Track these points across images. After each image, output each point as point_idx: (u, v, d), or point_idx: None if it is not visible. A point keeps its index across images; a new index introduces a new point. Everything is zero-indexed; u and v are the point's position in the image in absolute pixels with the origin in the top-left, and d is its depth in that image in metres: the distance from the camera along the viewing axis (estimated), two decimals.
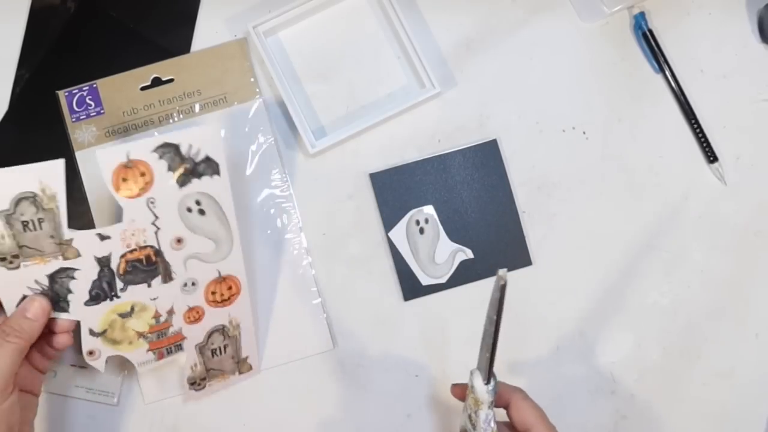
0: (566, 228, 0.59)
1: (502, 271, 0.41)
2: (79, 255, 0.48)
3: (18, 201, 0.47)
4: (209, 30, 0.59)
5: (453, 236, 0.58)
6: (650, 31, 0.59)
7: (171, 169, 0.48)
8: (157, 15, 0.59)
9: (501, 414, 0.47)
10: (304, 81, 0.59)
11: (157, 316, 0.52)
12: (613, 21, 0.60)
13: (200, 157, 0.48)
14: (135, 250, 0.49)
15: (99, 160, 0.47)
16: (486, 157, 0.58)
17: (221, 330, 0.54)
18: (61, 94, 0.58)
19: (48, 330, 0.49)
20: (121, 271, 0.49)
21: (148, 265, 0.50)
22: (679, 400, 0.58)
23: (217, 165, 0.49)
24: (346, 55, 0.59)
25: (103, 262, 0.49)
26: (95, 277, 0.49)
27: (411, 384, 0.58)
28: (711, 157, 0.59)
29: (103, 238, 0.48)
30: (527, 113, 0.59)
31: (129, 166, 0.47)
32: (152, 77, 0.58)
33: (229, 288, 0.53)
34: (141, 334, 0.52)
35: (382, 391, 0.57)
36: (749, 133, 0.60)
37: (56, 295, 0.49)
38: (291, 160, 0.58)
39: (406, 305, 0.58)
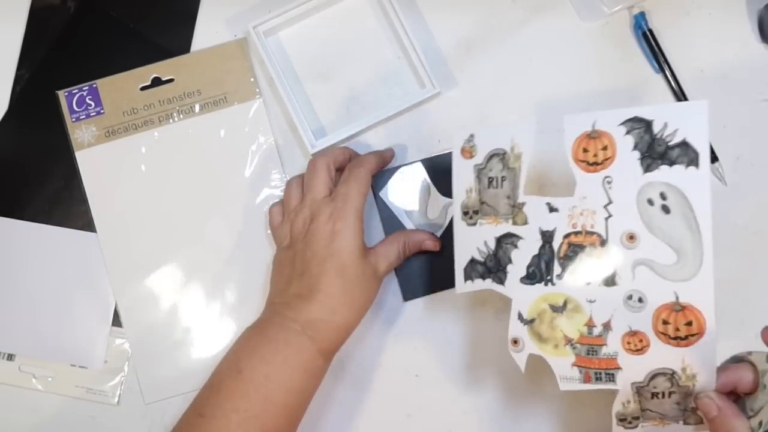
0: None
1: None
2: (526, 222, 0.44)
3: (490, 157, 0.46)
4: (209, 30, 0.59)
5: (452, 235, 0.58)
6: (650, 31, 0.59)
7: (638, 148, 0.42)
8: (157, 15, 0.59)
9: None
10: (304, 81, 0.59)
11: (590, 325, 0.44)
12: (613, 21, 0.60)
13: (676, 140, 0.41)
14: (580, 233, 0.43)
15: (565, 126, 0.44)
16: None
17: (670, 376, 0.43)
18: (61, 94, 0.58)
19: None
20: (561, 254, 0.43)
21: (583, 250, 0.43)
22: None
23: (696, 154, 0.41)
24: (346, 55, 0.59)
25: (546, 237, 0.44)
26: (536, 252, 0.44)
27: (411, 384, 0.57)
28: (711, 157, 0.59)
29: (551, 209, 0.44)
30: (527, 113, 0.59)
31: (593, 136, 0.43)
32: (152, 77, 0.58)
33: (689, 323, 0.42)
34: (569, 340, 0.44)
35: (382, 391, 0.57)
36: (749, 133, 0.60)
37: (497, 262, 0.45)
38: (291, 160, 0.58)
39: (406, 305, 0.58)
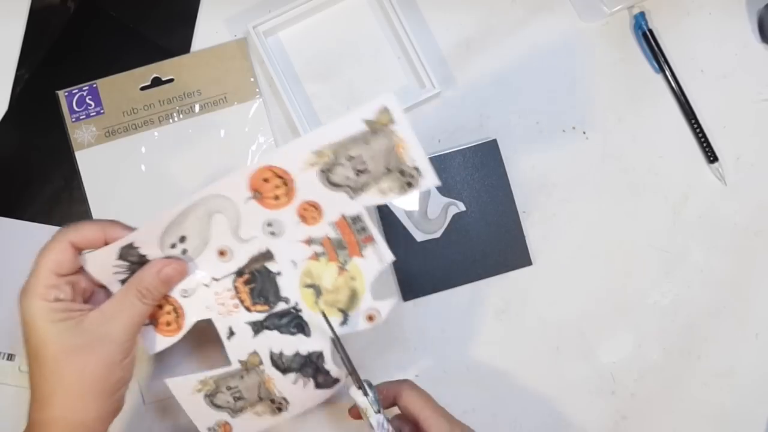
0: (566, 228, 0.59)
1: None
2: (261, 363, 0.48)
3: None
4: (209, 30, 0.59)
5: (453, 235, 0.58)
6: (650, 31, 0.59)
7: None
8: (157, 15, 0.59)
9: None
10: (304, 81, 0.59)
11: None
12: (613, 21, 0.60)
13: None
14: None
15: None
16: (486, 157, 0.58)
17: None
18: (61, 94, 0.58)
19: None
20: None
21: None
22: (679, 400, 0.58)
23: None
24: (346, 55, 0.59)
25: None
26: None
27: None
28: (711, 157, 0.59)
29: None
30: (527, 113, 0.59)
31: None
32: (152, 77, 0.58)
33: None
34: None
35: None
36: (749, 133, 0.60)
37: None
38: None
39: (406, 305, 0.58)
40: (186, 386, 0.48)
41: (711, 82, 0.60)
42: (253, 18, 0.57)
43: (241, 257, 0.46)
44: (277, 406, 0.49)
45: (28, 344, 0.43)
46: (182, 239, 0.45)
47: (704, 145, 0.59)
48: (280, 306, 0.47)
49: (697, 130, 0.59)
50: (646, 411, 0.58)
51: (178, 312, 0.47)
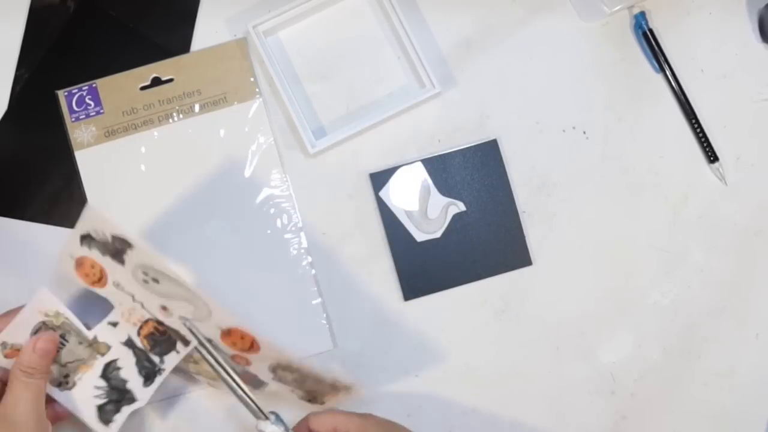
0: (566, 228, 0.59)
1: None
2: (109, 347, 0.52)
3: (36, 332, 0.51)
4: (209, 30, 0.59)
5: (453, 235, 0.58)
6: (650, 31, 0.59)
7: (106, 253, 0.49)
8: (156, 15, 0.59)
9: None
10: (304, 81, 0.59)
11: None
12: (613, 21, 0.60)
13: (108, 238, 0.48)
14: (142, 326, 0.52)
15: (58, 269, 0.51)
16: (486, 157, 0.58)
17: (286, 367, 0.51)
18: (61, 94, 0.57)
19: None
20: (148, 347, 0.52)
21: (162, 335, 0.51)
22: (679, 400, 0.58)
23: (124, 240, 0.47)
24: (346, 55, 0.59)
25: (130, 344, 0.52)
26: (134, 359, 0.52)
27: (411, 384, 0.57)
28: (711, 157, 0.59)
29: (114, 324, 0.52)
30: (527, 113, 0.59)
31: (81, 262, 0.51)
32: (152, 77, 0.58)
33: (242, 337, 0.50)
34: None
35: (382, 391, 0.57)
36: (749, 133, 0.60)
37: (118, 391, 0.51)
38: (291, 160, 0.58)
39: (406, 305, 0.58)
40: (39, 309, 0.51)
41: (711, 82, 0.60)
42: (253, 18, 0.57)
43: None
44: (60, 379, 0.51)
45: None
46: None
47: (704, 145, 0.59)
48: (155, 359, 0.52)
49: (697, 130, 0.59)
50: (646, 411, 0.58)
51: None
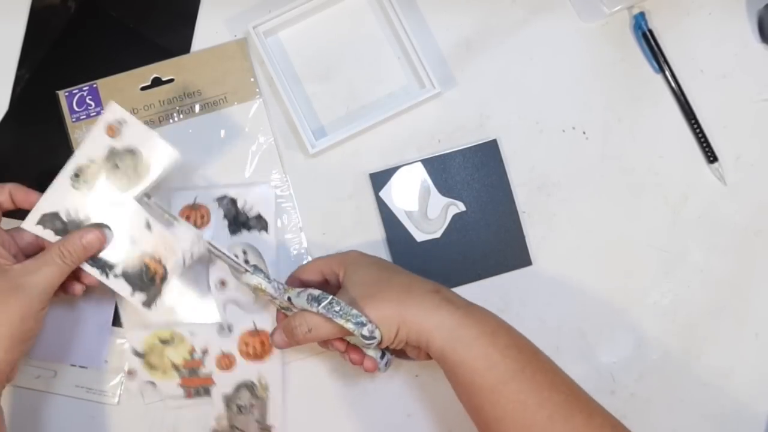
0: (566, 228, 0.59)
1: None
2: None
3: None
4: (209, 30, 0.59)
5: (453, 235, 0.58)
6: (650, 31, 0.59)
7: (226, 217, 0.56)
8: (157, 15, 0.59)
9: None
10: (304, 81, 0.59)
11: (192, 351, 0.55)
12: (613, 21, 0.60)
13: (252, 213, 0.56)
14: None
15: (172, 200, 0.56)
16: (486, 157, 0.58)
17: (250, 387, 0.56)
18: (61, 95, 0.58)
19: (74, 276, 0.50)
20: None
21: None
22: (679, 400, 0.58)
23: (266, 222, 0.56)
24: (346, 55, 0.59)
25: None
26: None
27: (411, 384, 0.58)
28: (711, 157, 0.59)
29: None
30: (527, 113, 0.59)
31: (194, 207, 0.56)
32: (152, 77, 0.58)
33: (262, 343, 0.55)
34: (176, 366, 0.55)
35: (382, 391, 0.57)
36: (749, 133, 0.60)
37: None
38: (291, 160, 0.58)
39: None
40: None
41: (711, 82, 0.60)
42: (253, 18, 0.57)
43: None
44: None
45: None
46: None
47: (704, 145, 0.59)
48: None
49: (697, 130, 0.59)
50: (646, 411, 0.58)
51: None
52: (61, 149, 0.57)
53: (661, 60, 0.59)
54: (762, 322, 0.59)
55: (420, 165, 0.58)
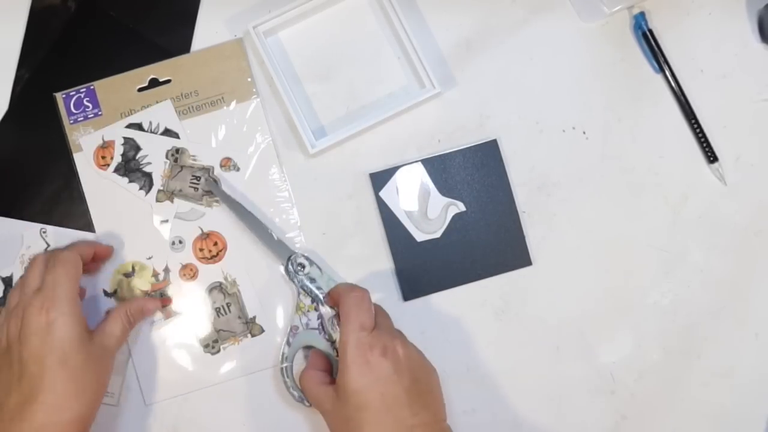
0: (566, 228, 0.59)
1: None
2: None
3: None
4: (209, 30, 0.59)
5: (453, 235, 0.58)
6: (650, 31, 0.59)
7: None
8: (156, 15, 0.59)
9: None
10: (304, 81, 0.59)
11: (155, 274, 0.57)
12: (613, 21, 0.60)
13: (161, 131, 0.57)
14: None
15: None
16: (486, 157, 0.58)
17: (219, 287, 0.57)
18: (59, 97, 0.57)
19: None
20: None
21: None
22: (679, 400, 0.58)
23: (176, 133, 0.57)
24: (346, 55, 0.59)
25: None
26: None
27: None
28: (711, 157, 0.59)
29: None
30: (527, 113, 0.59)
31: (104, 146, 0.57)
32: (149, 78, 0.58)
33: (215, 244, 0.57)
34: (146, 293, 0.57)
35: None
36: (749, 133, 0.60)
37: None
38: (290, 160, 0.58)
39: (406, 305, 0.58)
40: None
41: (711, 82, 0.60)
42: (253, 18, 0.57)
43: None
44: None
45: (55, 352, 0.47)
46: None
47: (704, 145, 0.59)
48: None
49: (697, 130, 0.59)
50: (646, 411, 0.58)
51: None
52: (61, 149, 0.57)
53: (661, 60, 0.59)
54: (762, 322, 0.59)
55: (420, 165, 0.58)
